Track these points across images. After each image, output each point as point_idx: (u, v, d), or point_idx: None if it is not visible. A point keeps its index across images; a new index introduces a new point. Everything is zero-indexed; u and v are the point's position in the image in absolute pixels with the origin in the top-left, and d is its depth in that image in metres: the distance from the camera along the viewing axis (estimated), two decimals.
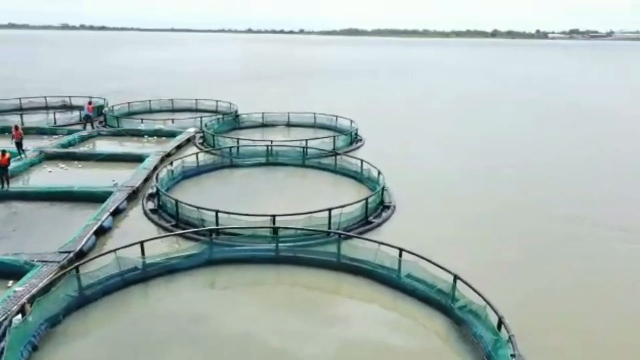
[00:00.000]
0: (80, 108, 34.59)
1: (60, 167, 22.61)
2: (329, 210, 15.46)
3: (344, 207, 15.88)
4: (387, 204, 18.46)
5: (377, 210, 17.88)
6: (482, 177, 23.05)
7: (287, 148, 24.44)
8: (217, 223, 14.97)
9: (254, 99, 43.15)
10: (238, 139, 25.95)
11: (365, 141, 29.48)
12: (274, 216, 14.88)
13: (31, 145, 24.67)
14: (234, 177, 22.23)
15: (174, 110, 38.71)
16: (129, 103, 37.56)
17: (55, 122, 32.08)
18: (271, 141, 24.83)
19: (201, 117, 31.87)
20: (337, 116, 32.26)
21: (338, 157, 23.18)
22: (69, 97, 39.97)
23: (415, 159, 26.32)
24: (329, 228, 15.22)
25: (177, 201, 16.21)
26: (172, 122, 30.88)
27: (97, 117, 32.16)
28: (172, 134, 28.58)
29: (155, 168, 21.50)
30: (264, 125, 33.27)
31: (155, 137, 28.66)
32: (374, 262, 13.12)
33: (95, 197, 17.81)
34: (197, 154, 22.76)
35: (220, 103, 38.29)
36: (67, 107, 38.19)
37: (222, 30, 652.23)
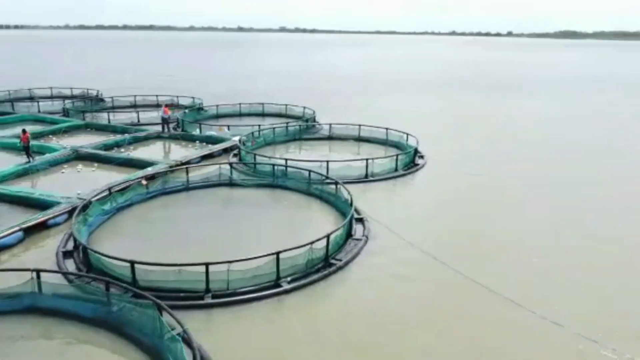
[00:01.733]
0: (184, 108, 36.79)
1: (92, 169, 22.66)
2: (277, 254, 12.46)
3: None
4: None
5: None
6: None
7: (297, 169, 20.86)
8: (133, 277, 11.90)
9: (406, 110, 40.12)
10: (255, 154, 23.15)
11: (426, 165, 24.35)
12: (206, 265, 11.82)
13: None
14: (217, 198, 19.53)
15: (264, 115, 37.60)
16: (217, 105, 37.48)
17: (138, 121, 33.45)
18: (286, 159, 21.52)
19: (273, 125, 29.97)
20: (407, 134, 27.16)
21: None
22: (177, 96, 41.76)
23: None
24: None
25: (85, 247, 13.21)
26: (228, 128, 29.43)
27: (173, 120, 32.31)
28: (222, 141, 27.17)
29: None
30: (330, 138, 29.82)
31: (204, 143, 27.57)
32: None
33: (47, 206, 16.99)
34: (189, 166, 20.81)
35: (307, 110, 35.79)
36: (174, 106, 40.00)
37: (425, 33, 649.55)
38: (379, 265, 14.10)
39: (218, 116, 36.55)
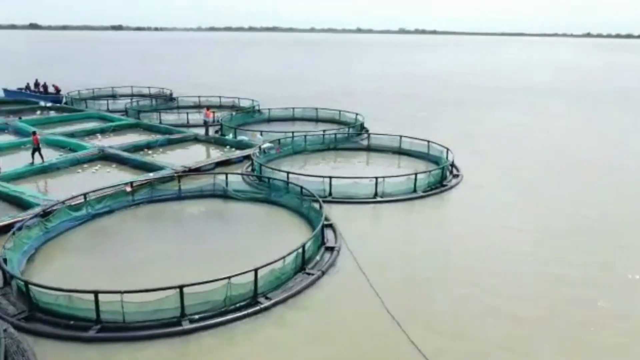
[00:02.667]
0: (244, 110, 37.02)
1: (108, 169, 22.83)
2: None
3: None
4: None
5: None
6: None
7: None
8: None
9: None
10: (261, 165, 21.72)
11: (457, 187, 21.24)
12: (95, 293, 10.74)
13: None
14: (198, 211, 18.36)
15: (317, 120, 36.07)
16: (269, 109, 36.70)
17: (187, 122, 33.71)
18: (288, 173, 19.81)
19: (309, 132, 28.56)
20: (447, 149, 24.02)
21: None
22: (238, 98, 41.71)
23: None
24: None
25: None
26: (261, 134, 28.31)
27: (214, 123, 31.88)
28: (251, 147, 26.18)
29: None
30: (369, 149, 27.49)
31: (233, 149, 26.79)
32: None
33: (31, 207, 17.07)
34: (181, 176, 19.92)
35: (359, 117, 33.59)
36: (235, 108, 40.21)
37: (555, 34, 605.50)
38: (318, 311, 11.97)
39: (270, 120, 35.81)
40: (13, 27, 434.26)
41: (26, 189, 18.93)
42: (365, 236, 16.20)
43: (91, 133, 29.91)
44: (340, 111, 35.31)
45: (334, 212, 17.82)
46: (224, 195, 19.36)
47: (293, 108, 36.80)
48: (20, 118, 32.77)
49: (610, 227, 17.52)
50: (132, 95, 46.78)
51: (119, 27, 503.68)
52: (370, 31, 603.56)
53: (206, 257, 14.44)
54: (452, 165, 23.36)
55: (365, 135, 28.60)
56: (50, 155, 23.93)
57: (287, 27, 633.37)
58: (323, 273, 13.43)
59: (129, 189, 18.26)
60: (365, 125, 32.25)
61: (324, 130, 28.64)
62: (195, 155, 25.57)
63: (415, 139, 26.36)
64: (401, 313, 11.66)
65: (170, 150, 26.90)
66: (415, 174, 20.14)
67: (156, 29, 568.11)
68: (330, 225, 16.41)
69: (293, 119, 36.22)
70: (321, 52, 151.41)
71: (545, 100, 50.88)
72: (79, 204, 16.74)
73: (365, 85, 60.68)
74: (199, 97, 42.18)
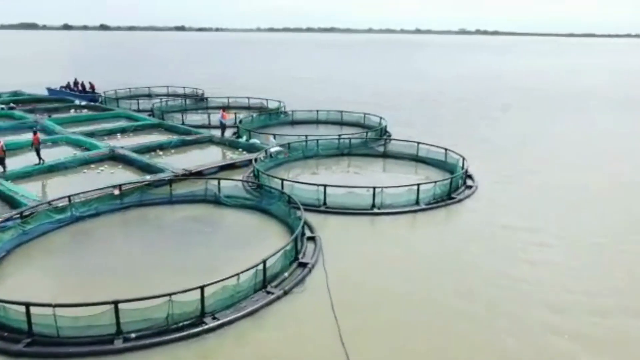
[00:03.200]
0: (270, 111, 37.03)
1: (112, 171, 22.80)
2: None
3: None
4: None
5: None
6: None
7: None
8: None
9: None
10: (258, 170, 20.94)
11: (467, 200, 19.70)
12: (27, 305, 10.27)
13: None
14: (182, 216, 17.70)
15: (341, 124, 34.96)
16: (292, 111, 35.96)
17: (209, 123, 33.51)
18: (282, 180, 18.93)
19: (327, 136, 27.58)
20: (463, 157, 22.36)
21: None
22: (266, 99, 41.18)
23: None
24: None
25: None
26: (274, 137, 27.54)
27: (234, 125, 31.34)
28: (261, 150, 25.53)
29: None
30: (385, 155, 26.14)
31: (244, 152, 26.20)
32: None
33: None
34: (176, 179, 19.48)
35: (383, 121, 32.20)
36: (261, 109, 39.73)
37: (628, 35, 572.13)
38: (266, 336, 11.01)
39: (293, 122, 35.09)
40: (85, 28, 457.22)
41: (24, 189, 19.09)
42: (348, 251, 15.09)
43: (112, 132, 30.28)
44: (365, 114, 34.03)
45: (329, 223, 16.94)
46: (215, 201, 18.77)
47: (317, 110, 35.90)
48: (49, 116, 33.73)
49: None
50: (167, 95, 47.53)
51: (181, 28, 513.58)
52: (429, 32, 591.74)
53: (178, 267, 13.79)
54: (467, 175, 21.72)
55: (384, 140, 27.29)
56: (66, 154, 24.32)
57: (345, 28, 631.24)
58: (285, 293, 12.46)
59: (117, 192, 17.95)
60: (394, 130, 31.07)
61: (339, 135, 27.54)
62: (204, 157, 25.09)
63: (433, 145, 24.82)
64: (358, 346, 10.51)
65: (182, 151, 26.69)
66: (418, 185, 18.71)
67: (217, 29, 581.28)
68: (313, 238, 15.44)
69: (317, 122, 35.32)
70: (377, 53, 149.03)
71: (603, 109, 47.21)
72: (64, 206, 16.61)
73: (412, 87, 58.78)
74: (228, 98, 42.12)
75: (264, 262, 12.39)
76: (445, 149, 23.87)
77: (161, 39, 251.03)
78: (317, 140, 26.10)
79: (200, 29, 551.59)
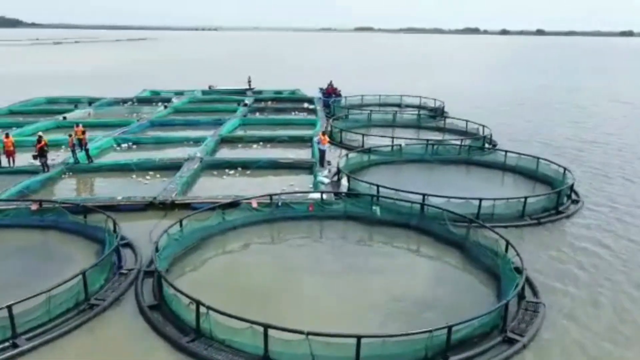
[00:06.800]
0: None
1: (145, 182, 22.25)
2: None
3: None
4: None
5: None
6: None
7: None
8: None
9: None
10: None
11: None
12: None
13: None
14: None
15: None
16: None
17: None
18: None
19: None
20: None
21: None
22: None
23: None
24: None
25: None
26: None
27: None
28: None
29: None
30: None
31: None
32: None
33: None
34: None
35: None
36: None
37: None
38: None
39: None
40: (521, 33, 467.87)
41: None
42: None
43: (264, 140, 29.66)
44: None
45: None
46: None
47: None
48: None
49: None
50: (418, 107, 41.72)
51: (629, 34, 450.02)
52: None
53: None
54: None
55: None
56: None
57: None
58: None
59: (34, 207, 17.28)
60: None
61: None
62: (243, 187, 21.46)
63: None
64: None
65: (258, 174, 23.34)
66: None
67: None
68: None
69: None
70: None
71: None
72: None
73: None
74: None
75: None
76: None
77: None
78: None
79: None
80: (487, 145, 29.28)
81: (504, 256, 13.88)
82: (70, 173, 23.31)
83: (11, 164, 23.42)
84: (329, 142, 25.97)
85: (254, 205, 17.85)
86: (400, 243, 16.75)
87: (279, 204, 18.19)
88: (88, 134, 25.20)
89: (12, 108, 39.60)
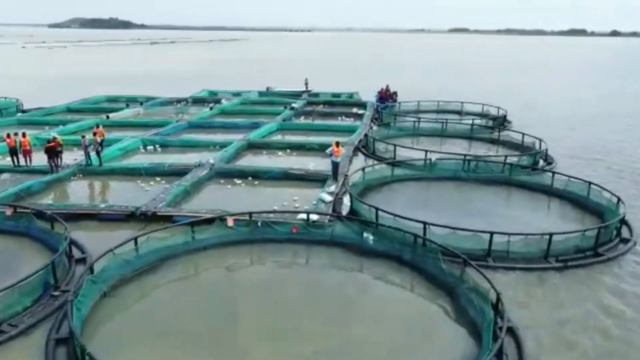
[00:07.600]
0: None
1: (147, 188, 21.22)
2: None
3: None
4: None
5: None
6: None
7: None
8: None
9: None
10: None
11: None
12: None
13: None
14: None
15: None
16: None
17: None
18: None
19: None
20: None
21: None
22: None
23: None
24: None
25: None
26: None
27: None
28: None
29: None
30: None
31: None
32: None
33: None
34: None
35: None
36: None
37: None
38: None
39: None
40: (634, 34, 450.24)
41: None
42: None
43: (292, 147, 28.29)
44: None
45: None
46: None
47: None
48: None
49: None
50: (480, 115, 38.44)
51: None
52: None
53: None
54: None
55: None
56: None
57: None
58: None
59: (9, 212, 16.71)
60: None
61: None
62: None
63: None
64: None
65: (268, 185, 21.83)
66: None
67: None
68: None
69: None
70: None
71: None
72: None
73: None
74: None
75: None
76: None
77: None
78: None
79: None
80: (541, 163, 25.52)
81: (488, 314, 10.98)
82: (81, 175, 22.87)
83: (28, 163, 23.51)
84: (344, 153, 23.88)
85: (230, 223, 16.07)
86: (386, 280, 14.29)
87: (258, 223, 16.31)
88: (126, 133, 25.92)
89: (70, 106, 41.01)
